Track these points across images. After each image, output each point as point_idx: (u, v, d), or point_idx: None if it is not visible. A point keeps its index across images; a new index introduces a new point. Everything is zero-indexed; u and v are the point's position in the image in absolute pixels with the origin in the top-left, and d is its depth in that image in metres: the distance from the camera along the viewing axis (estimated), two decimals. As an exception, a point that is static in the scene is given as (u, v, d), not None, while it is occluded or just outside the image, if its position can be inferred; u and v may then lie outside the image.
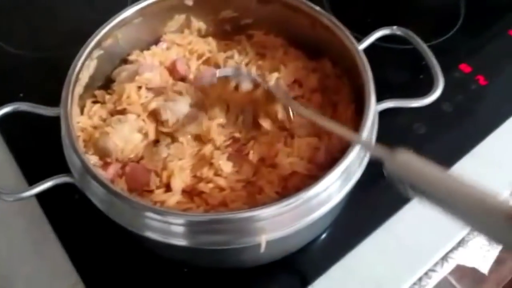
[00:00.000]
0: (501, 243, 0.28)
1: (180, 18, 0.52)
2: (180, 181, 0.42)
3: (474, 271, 0.70)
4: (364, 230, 0.47)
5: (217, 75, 0.46)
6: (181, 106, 0.45)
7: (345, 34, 0.45)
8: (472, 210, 0.28)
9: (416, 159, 0.33)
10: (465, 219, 0.29)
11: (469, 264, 0.67)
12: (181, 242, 0.36)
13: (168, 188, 0.42)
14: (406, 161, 0.33)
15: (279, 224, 0.36)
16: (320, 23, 0.47)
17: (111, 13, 0.48)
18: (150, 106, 0.45)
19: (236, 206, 0.39)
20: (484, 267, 0.71)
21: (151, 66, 0.47)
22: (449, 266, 0.57)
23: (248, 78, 0.45)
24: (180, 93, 0.46)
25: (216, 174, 0.42)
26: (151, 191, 0.41)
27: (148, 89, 0.46)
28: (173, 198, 0.40)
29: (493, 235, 0.28)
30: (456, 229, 0.50)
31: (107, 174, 0.42)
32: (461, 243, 0.56)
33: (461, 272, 0.70)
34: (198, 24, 0.53)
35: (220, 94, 0.46)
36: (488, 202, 0.28)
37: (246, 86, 0.45)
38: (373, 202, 0.49)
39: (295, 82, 0.49)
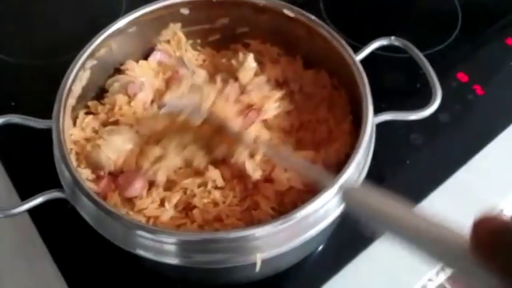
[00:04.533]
0: (466, 275, 0.26)
1: (175, 27, 0.51)
2: (164, 173, 0.41)
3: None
4: (359, 244, 0.47)
5: (161, 111, 0.43)
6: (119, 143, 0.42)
7: (342, 45, 0.45)
8: (433, 245, 0.27)
9: (374, 195, 0.32)
10: (427, 254, 0.28)
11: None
12: (174, 260, 0.35)
13: (162, 203, 0.41)
14: (363, 198, 0.33)
15: (275, 242, 0.35)
16: (317, 33, 0.47)
17: (105, 21, 0.47)
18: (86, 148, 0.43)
19: (231, 221, 0.39)
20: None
21: (139, 84, 0.46)
22: (445, 274, 0.57)
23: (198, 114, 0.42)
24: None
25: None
26: (145, 208, 0.40)
27: None
28: (167, 214, 0.40)
29: (457, 269, 0.26)
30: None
31: (99, 188, 0.41)
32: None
33: (457, 279, 0.69)
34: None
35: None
36: (448, 236, 0.26)
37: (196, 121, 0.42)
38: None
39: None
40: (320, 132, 0.46)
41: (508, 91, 0.61)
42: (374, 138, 0.42)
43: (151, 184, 0.42)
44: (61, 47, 0.62)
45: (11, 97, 0.57)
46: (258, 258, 0.34)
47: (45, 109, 0.45)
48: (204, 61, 0.53)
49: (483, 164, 0.54)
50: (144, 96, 0.45)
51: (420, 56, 0.47)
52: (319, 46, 0.47)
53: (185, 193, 0.41)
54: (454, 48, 0.64)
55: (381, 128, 0.45)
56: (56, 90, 0.43)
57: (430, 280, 0.55)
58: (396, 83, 0.62)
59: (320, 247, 0.47)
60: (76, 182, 0.37)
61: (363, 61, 0.47)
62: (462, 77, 0.61)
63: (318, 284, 0.45)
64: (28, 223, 0.48)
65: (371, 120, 0.40)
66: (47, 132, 0.42)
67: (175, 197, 0.40)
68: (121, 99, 0.45)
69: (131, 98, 0.45)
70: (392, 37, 0.49)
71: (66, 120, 0.42)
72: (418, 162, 0.53)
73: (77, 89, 0.44)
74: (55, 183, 0.40)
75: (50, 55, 0.61)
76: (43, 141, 0.42)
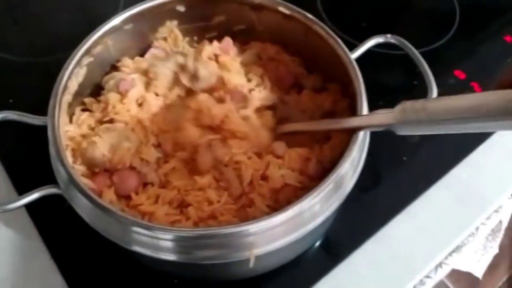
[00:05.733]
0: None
1: (171, 24, 0.51)
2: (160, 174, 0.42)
3: (469, 274, 0.70)
4: (356, 241, 0.47)
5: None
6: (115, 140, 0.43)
7: (338, 43, 0.45)
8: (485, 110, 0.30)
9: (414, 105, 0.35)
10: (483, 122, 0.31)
11: (464, 268, 0.67)
12: (169, 256, 0.35)
13: (157, 199, 0.41)
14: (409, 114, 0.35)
15: (269, 238, 0.35)
16: (313, 31, 0.47)
17: (102, 18, 0.47)
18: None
19: (226, 219, 0.39)
20: (478, 272, 0.71)
21: (131, 81, 0.46)
22: (443, 271, 0.57)
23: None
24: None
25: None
26: (140, 204, 0.41)
27: None
28: (162, 210, 0.40)
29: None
30: (449, 238, 0.50)
31: (95, 185, 0.41)
32: (455, 249, 0.56)
33: (457, 275, 0.70)
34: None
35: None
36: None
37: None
38: (364, 212, 0.49)
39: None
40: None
41: (506, 87, 0.60)
42: (368, 135, 0.42)
43: (146, 182, 0.42)
44: (59, 44, 0.62)
45: (10, 94, 0.57)
46: (252, 254, 0.35)
47: (43, 106, 0.45)
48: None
49: (479, 161, 0.54)
50: (136, 93, 0.45)
51: (416, 54, 0.47)
52: (315, 44, 0.47)
53: (179, 191, 0.41)
54: (452, 45, 0.64)
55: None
56: (52, 87, 0.43)
57: (427, 277, 0.56)
58: (393, 80, 0.62)
59: (316, 245, 0.47)
60: (71, 179, 0.37)
61: (360, 58, 0.47)
62: (460, 74, 0.61)
63: (315, 279, 0.45)
64: (26, 220, 0.48)
65: (366, 117, 0.40)
66: (44, 128, 0.42)
67: (169, 195, 0.41)
68: (113, 97, 0.45)
69: (123, 95, 0.45)
70: (388, 35, 0.49)
71: (62, 117, 0.42)
72: (415, 159, 0.53)
73: (73, 86, 0.44)
74: (53, 179, 0.40)
75: (48, 53, 0.62)
76: (41, 137, 0.42)
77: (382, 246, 0.47)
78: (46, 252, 0.47)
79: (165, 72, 0.47)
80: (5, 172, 0.52)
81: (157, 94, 0.47)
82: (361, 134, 0.39)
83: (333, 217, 0.44)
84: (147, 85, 0.47)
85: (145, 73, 0.48)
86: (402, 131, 0.37)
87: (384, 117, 0.38)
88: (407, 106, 0.35)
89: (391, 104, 0.45)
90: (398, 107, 0.36)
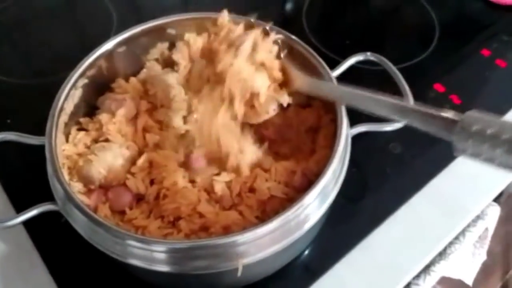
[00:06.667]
0: None
1: (162, 46, 0.54)
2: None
3: (462, 283, 0.72)
4: (341, 250, 0.49)
5: None
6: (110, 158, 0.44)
7: (320, 62, 0.47)
8: None
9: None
10: None
11: (454, 276, 0.69)
12: (162, 268, 0.37)
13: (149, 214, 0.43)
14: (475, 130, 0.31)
15: (257, 248, 0.37)
16: (296, 50, 0.49)
17: (97, 40, 0.50)
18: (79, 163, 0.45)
19: (215, 231, 0.41)
20: (469, 279, 0.73)
21: (121, 100, 0.48)
22: (432, 279, 0.59)
23: None
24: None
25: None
26: (134, 219, 0.42)
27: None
28: (154, 224, 0.42)
29: None
30: (432, 245, 0.51)
31: (90, 201, 0.43)
32: (442, 256, 0.58)
33: (450, 283, 0.71)
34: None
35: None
36: None
37: None
38: (350, 222, 0.50)
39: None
40: (303, 146, 0.48)
41: (484, 100, 0.63)
42: (349, 147, 0.44)
43: (140, 198, 0.44)
44: (55, 66, 0.64)
45: (7, 115, 0.59)
46: (240, 263, 0.37)
47: (40, 125, 0.47)
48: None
49: (459, 170, 0.56)
50: (126, 112, 0.47)
51: (392, 68, 0.50)
52: (299, 63, 0.50)
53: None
54: (432, 60, 0.67)
55: (361, 138, 0.47)
56: (49, 107, 0.45)
57: (416, 284, 0.57)
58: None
59: (304, 253, 0.49)
60: (68, 196, 0.39)
61: (343, 74, 0.50)
62: (439, 87, 0.63)
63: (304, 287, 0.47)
64: (23, 235, 0.50)
65: (345, 130, 0.43)
66: (41, 147, 0.44)
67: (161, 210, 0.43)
68: (105, 118, 0.47)
69: (114, 115, 0.47)
70: (368, 53, 0.52)
71: (58, 136, 0.44)
72: (398, 170, 0.55)
73: (69, 107, 0.47)
74: (49, 196, 0.42)
75: (44, 74, 0.64)
76: (37, 156, 0.44)
77: (367, 254, 0.49)
78: (44, 267, 0.48)
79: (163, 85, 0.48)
80: (2, 190, 0.53)
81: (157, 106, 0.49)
82: (341, 146, 0.42)
83: (319, 227, 0.46)
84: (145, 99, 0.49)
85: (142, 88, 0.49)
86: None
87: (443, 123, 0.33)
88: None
89: (375, 118, 0.48)
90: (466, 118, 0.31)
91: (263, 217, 0.42)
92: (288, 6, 0.76)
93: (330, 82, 0.46)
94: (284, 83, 0.45)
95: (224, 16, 0.45)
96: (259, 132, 0.47)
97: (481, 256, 0.73)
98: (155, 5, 0.74)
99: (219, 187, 0.43)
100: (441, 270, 0.58)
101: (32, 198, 0.42)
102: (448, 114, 0.34)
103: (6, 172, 0.55)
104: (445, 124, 0.33)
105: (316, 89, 0.45)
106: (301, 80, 0.44)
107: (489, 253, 0.71)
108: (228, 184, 0.44)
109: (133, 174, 0.44)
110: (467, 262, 0.72)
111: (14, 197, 0.53)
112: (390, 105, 0.39)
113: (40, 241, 0.49)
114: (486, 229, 0.68)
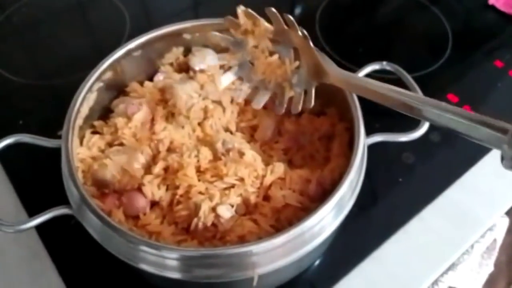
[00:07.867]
0: None
1: (178, 51, 0.54)
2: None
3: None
4: (352, 261, 0.48)
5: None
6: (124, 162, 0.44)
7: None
8: None
9: None
10: None
11: (460, 286, 0.69)
12: (175, 275, 0.37)
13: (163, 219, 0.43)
14: None
15: (271, 258, 0.37)
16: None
17: (110, 43, 0.50)
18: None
19: (231, 239, 0.40)
20: (475, 289, 0.72)
21: (137, 105, 0.48)
22: (440, 289, 0.59)
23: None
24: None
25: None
26: (148, 224, 0.42)
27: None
28: (168, 229, 0.42)
29: None
30: (443, 257, 0.51)
31: (104, 205, 0.43)
32: (450, 267, 0.58)
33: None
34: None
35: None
36: None
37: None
38: (361, 232, 0.50)
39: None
40: (316, 154, 0.48)
41: (497, 111, 0.63)
42: (366, 158, 0.44)
43: (154, 203, 0.44)
44: (67, 67, 0.65)
45: (20, 116, 0.60)
46: (255, 273, 0.36)
47: (52, 126, 0.47)
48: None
49: (472, 182, 0.56)
50: (142, 117, 0.47)
51: (408, 78, 0.50)
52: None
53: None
54: (445, 70, 0.67)
55: (374, 147, 0.47)
56: (61, 109, 0.45)
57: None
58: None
59: (316, 263, 0.49)
60: (83, 199, 0.39)
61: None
62: (452, 98, 0.63)
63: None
64: (34, 238, 0.50)
65: (363, 142, 0.42)
66: (53, 150, 0.44)
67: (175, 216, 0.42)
68: (121, 122, 0.47)
69: (129, 119, 0.47)
70: (384, 62, 0.52)
71: (74, 140, 0.44)
72: (410, 180, 0.55)
73: (84, 110, 0.47)
74: (60, 200, 0.41)
75: (56, 76, 0.64)
76: (49, 159, 0.44)
77: (378, 265, 0.49)
78: (54, 270, 0.48)
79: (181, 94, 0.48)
80: (15, 193, 0.53)
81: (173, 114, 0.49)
82: (359, 156, 0.41)
83: (332, 237, 0.46)
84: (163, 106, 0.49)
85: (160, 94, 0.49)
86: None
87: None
88: None
89: (387, 127, 0.48)
90: None
91: (278, 226, 0.42)
92: (297, 11, 0.76)
93: (367, 78, 0.43)
94: (316, 75, 0.44)
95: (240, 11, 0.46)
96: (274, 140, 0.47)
97: (489, 267, 0.72)
98: (167, 5, 0.73)
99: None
100: (449, 280, 0.58)
101: (43, 202, 0.42)
102: (500, 122, 0.32)
103: (17, 175, 0.55)
104: (495, 133, 0.32)
105: (352, 85, 0.42)
106: (335, 73, 0.43)
107: (494, 262, 0.71)
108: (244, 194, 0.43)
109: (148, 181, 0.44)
110: (474, 272, 0.72)
111: (25, 200, 0.52)
112: (435, 106, 0.37)
113: (51, 244, 0.49)
114: (495, 240, 0.68)
